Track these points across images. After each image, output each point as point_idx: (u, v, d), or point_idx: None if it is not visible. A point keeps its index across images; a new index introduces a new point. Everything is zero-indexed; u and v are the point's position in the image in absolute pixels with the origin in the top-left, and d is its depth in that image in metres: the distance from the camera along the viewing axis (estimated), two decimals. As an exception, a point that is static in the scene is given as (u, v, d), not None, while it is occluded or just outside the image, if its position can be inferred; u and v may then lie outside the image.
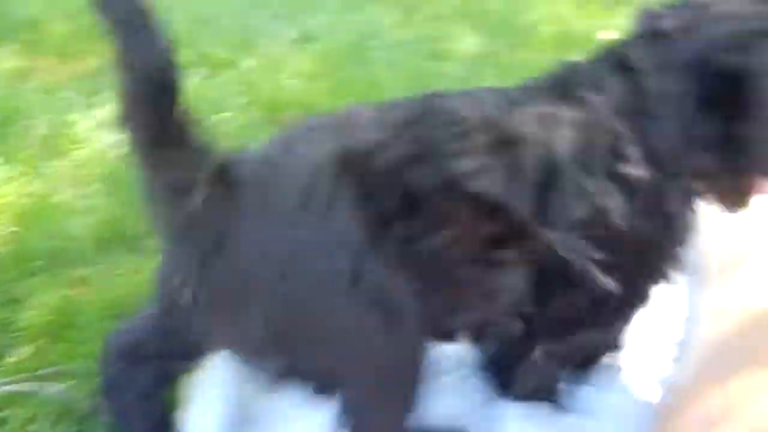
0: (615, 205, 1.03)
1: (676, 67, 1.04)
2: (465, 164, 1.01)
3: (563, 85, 1.10)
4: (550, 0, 3.39)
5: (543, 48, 2.92)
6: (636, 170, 1.04)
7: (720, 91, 1.00)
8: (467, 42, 2.86)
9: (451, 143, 1.03)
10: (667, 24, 1.07)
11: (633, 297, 1.15)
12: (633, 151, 1.04)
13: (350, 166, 1.02)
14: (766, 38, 0.99)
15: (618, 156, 1.04)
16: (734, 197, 1.10)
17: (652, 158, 1.04)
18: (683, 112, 1.03)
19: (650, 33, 1.08)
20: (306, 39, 2.83)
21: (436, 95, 1.14)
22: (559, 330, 1.16)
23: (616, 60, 1.09)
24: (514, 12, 3.24)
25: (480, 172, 1.01)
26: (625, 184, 1.04)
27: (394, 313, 1.02)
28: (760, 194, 1.11)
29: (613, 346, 1.28)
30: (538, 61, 2.77)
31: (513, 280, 1.06)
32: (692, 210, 1.12)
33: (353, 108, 1.15)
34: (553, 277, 1.06)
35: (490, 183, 1.01)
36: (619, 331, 1.24)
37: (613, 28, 3.17)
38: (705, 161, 1.03)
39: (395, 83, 2.33)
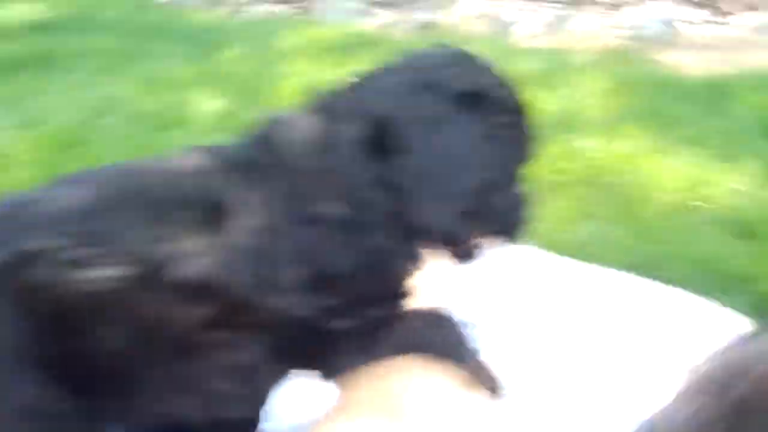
0: (330, 250, 1.03)
1: (352, 115, 1.08)
2: (163, 250, 0.94)
3: (265, 138, 1.08)
4: (290, 58, 3.49)
5: (284, 103, 2.97)
6: (320, 208, 1.04)
7: (378, 137, 1.04)
8: (206, 107, 2.83)
9: (146, 229, 0.95)
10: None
11: (377, 326, 1.13)
12: (319, 192, 1.04)
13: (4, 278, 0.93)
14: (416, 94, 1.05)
15: (320, 200, 1.04)
16: (462, 249, 1.13)
17: (335, 195, 1.05)
18: (354, 155, 1.05)
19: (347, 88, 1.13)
20: (30, 124, 2.64)
21: (136, 167, 1.06)
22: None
23: (316, 108, 1.10)
24: (256, 73, 3.28)
25: (185, 256, 0.94)
26: (322, 224, 1.04)
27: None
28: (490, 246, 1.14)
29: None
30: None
31: (242, 356, 1.01)
32: (412, 249, 1.13)
33: (30, 196, 1.04)
34: (288, 332, 1.03)
35: (199, 265, 0.94)
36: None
37: (344, 76, 3.32)
38: (378, 201, 1.05)
39: (122, 157, 2.23)
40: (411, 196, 1.05)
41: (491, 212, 1.09)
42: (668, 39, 3.73)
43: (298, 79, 3.24)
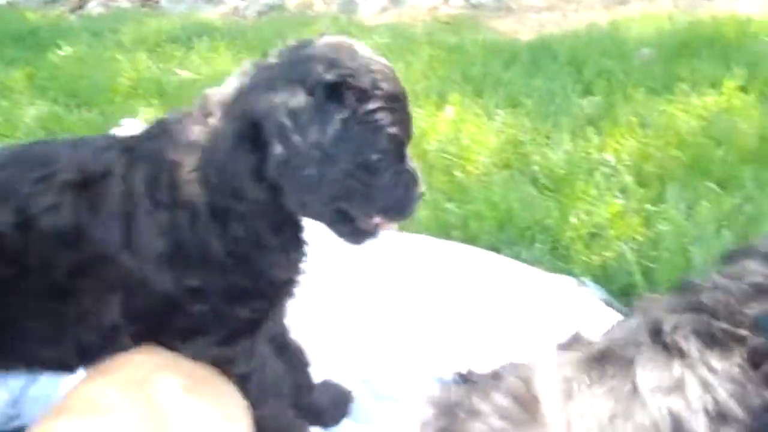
0: (184, 229, 1.12)
1: (231, 113, 1.12)
2: (42, 202, 1.11)
3: (160, 127, 1.19)
4: (130, 52, 3.40)
5: (118, 100, 2.91)
6: (190, 196, 1.11)
7: (249, 132, 1.08)
8: (33, 111, 2.73)
9: (32, 185, 1.12)
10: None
11: (231, 316, 1.19)
12: (190, 178, 1.11)
13: None
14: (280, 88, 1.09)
15: (176, 183, 1.12)
16: (350, 231, 1.17)
17: (206, 184, 1.11)
18: (226, 148, 1.10)
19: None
20: None
21: (39, 143, 1.27)
22: (176, 337, 1.18)
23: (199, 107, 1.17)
24: (90, 71, 3.19)
25: (58, 208, 1.11)
26: (187, 209, 1.12)
27: None
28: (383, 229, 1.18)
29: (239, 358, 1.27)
30: (111, 114, 2.75)
31: (105, 307, 1.14)
32: (287, 236, 1.19)
33: None
34: (152, 303, 1.14)
35: (69, 217, 1.10)
36: (243, 345, 1.25)
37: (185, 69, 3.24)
38: (252, 191, 1.11)
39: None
40: (285, 186, 1.08)
41: (372, 193, 1.12)
42: (502, 6, 3.86)
43: (136, 74, 3.18)
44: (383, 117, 1.08)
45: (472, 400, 0.95)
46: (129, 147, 1.17)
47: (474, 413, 0.93)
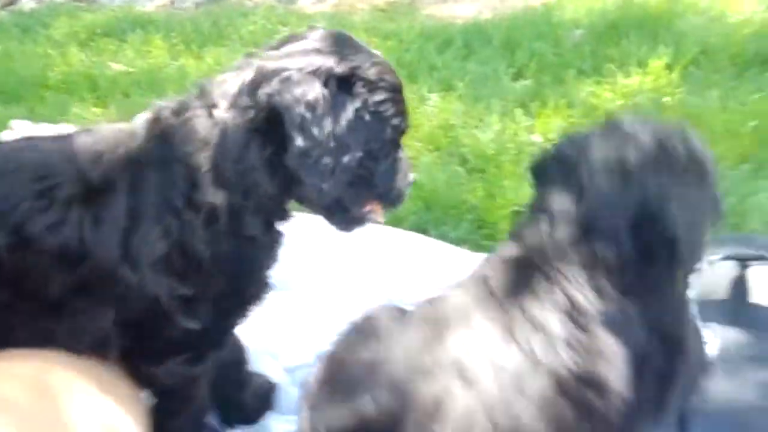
0: (194, 233, 1.10)
1: (240, 105, 1.10)
2: (44, 220, 1.08)
3: (153, 122, 1.15)
4: (62, 48, 3.33)
5: (50, 96, 2.86)
6: (211, 197, 1.10)
7: (262, 125, 1.09)
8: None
9: (32, 200, 1.08)
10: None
11: (222, 326, 1.22)
12: (207, 179, 1.09)
13: None
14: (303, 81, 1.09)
15: (195, 186, 1.09)
16: (345, 219, 1.23)
17: (225, 184, 1.10)
18: (239, 142, 1.09)
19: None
20: None
21: (25, 147, 1.19)
22: (156, 358, 1.18)
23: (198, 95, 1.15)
24: (20, 68, 3.12)
25: (60, 226, 1.08)
26: (205, 212, 1.10)
27: None
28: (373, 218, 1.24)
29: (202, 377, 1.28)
30: (41, 109, 2.70)
31: (98, 323, 1.12)
32: (274, 231, 1.20)
33: None
34: (143, 315, 1.12)
35: (71, 235, 1.08)
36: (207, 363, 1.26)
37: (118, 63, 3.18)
38: (265, 185, 1.12)
39: None
40: (304, 177, 1.08)
41: (373, 181, 1.17)
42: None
43: (68, 68, 3.12)
44: (388, 107, 1.13)
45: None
46: (133, 156, 1.13)
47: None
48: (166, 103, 1.17)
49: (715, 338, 1.34)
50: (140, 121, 1.17)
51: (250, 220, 1.13)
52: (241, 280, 1.18)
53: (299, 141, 1.05)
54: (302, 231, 1.24)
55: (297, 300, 1.61)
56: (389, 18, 3.51)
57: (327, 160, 1.07)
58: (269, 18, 3.61)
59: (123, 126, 1.19)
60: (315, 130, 1.06)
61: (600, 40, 2.90)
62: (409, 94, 2.59)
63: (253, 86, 1.10)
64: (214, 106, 1.11)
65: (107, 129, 1.20)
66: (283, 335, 1.51)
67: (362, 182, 1.16)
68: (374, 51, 1.17)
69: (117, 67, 3.11)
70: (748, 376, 1.29)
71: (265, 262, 1.21)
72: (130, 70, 3.05)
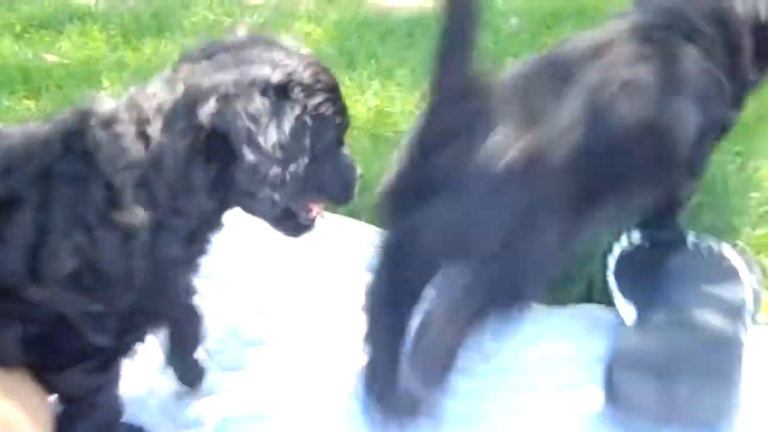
0: (108, 251, 1.07)
1: (176, 124, 1.09)
2: None
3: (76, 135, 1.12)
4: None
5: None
6: (131, 217, 1.07)
7: (203, 145, 1.08)
8: None
9: None
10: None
11: (132, 339, 1.21)
12: (130, 198, 1.07)
13: None
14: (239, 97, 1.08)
15: (114, 204, 1.06)
16: (293, 226, 1.24)
17: (152, 204, 1.08)
18: (179, 165, 1.08)
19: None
20: None
21: None
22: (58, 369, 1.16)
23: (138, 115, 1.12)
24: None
25: None
26: (122, 231, 1.07)
27: None
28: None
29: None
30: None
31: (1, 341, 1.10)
32: (198, 245, 1.19)
33: None
34: (50, 331, 1.10)
35: None
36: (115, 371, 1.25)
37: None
38: (203, 204, 1.11)
39: None
40: (254, 190, 1.08)
41: (322, 183, 1.19)
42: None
43: (1, 60, 3.04)
44: (328, 108, 1.14)
45: None
46: (46, 170, 1.09)
47: None
48: (94, 108, 1.13)
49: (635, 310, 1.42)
50: (60, 125, 1.13)
51: (173, 239, 1.11)
52: (155, 297, 1.15)
53: (249, 156, 1.04)
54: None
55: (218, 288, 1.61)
56: (334, 8, 3.50)
57: (277, 170, 1.06)
58: (212, 8, 3.57)
59: (39, 132, 1.14)
60: (262, 142, 1.05)
61: (537, 28, 2.94)
62: (348, 82, 2.64)
63: (190, 106, 1.07)
64: (146, 122, 1.09)
65: (20, 135, 1.15)
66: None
67: (311, 186, 1.16)
68: (305, 51, 1.16)
69: (52, 59, 3.05)
70: (663, 336, 1.40)
71: (181, 279, 1.20)
72: (65, 62, 2.99)
